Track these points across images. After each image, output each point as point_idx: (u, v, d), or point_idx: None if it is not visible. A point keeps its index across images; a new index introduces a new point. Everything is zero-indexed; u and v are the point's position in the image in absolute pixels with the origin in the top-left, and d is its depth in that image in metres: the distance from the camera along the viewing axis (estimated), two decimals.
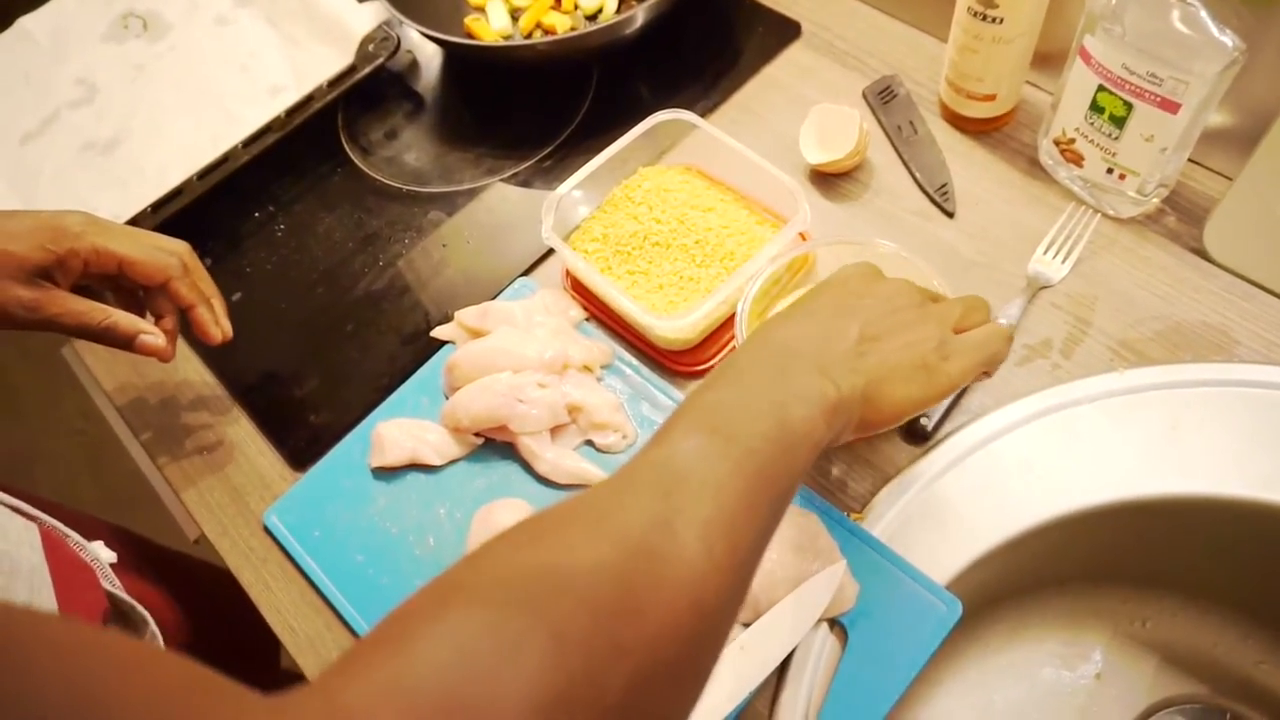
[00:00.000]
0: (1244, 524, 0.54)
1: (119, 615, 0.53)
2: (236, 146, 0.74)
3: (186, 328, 0.58)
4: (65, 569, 0.50)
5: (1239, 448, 0.54)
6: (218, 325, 0.59)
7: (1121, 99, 0.55)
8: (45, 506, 0.54)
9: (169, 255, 0.57)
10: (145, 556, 0.70)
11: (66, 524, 0.53)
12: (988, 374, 0.48)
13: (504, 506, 0.56)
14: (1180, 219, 0.62)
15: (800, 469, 0.38)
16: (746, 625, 0.51)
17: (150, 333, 0.56)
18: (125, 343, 0.56)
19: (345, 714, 0.23)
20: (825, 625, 0.51)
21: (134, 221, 0.71)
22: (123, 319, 0.55)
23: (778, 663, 0.50)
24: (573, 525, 0.31)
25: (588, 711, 0.26)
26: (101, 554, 0.53)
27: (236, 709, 0.23)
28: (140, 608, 0.52)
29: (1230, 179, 0.61)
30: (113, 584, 0.53)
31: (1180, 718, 0.61)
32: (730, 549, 0.32)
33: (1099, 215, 0.63)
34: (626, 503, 0.32)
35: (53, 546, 0.50)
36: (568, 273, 0.66)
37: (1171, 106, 0.54)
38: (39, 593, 0.47)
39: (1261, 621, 0.62)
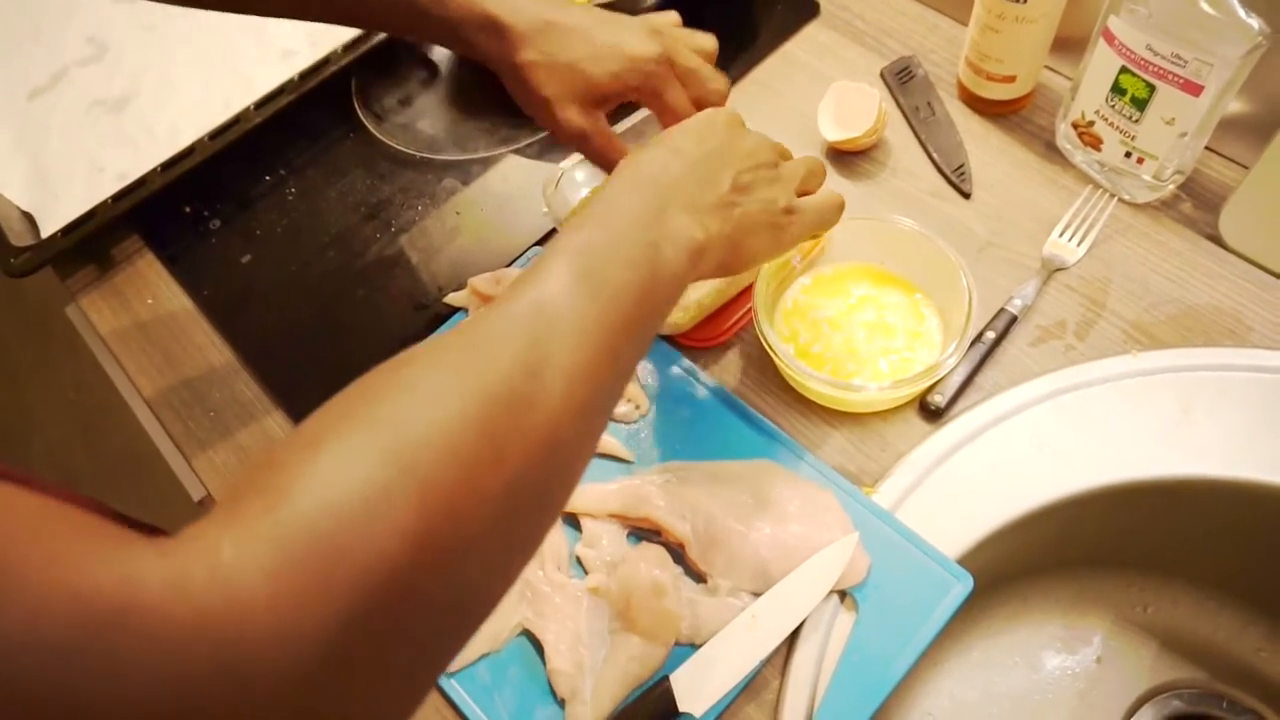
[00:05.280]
0: (1253, 507, 0.54)
1: None
2: (249, 108, 0.73)
3: (195, 291, 0.57)
4: None
5: (1250, 431, 0.54)
6: None
7: (1144, 80, 0.55)
8: (22, 482, 0.53)
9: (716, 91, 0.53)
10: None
11: (48, 494, 0.52)
12: (816, 238, 0.53)
13: None
14: (1196, 205, 0.62)
15: (665, 307, 0.40)
16: (758, 595, 0.51)
17: None
18: None
19: (225, 565, 0.25)
20: (836, 597, 0.51)
21: (143, 181, 0.71)
22: None
23: (788, 633, 0.50)
24: (443, 370, 0.32)
25: (449, 549, 0.28)
26: None
27: (126, 551, 0.24)
28: None
29: (1246, 167, 0.61)
30: None
31: (1179, 702, 0.62)
32: (591, 392, 0.34)
33: (1115, 199, 0.63)
34: (496, 348, 0.33)
35: None
36: None
37: (1194, 89, 0.54)
38: None
39: (1262, 609, 0.62)
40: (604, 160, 0.54)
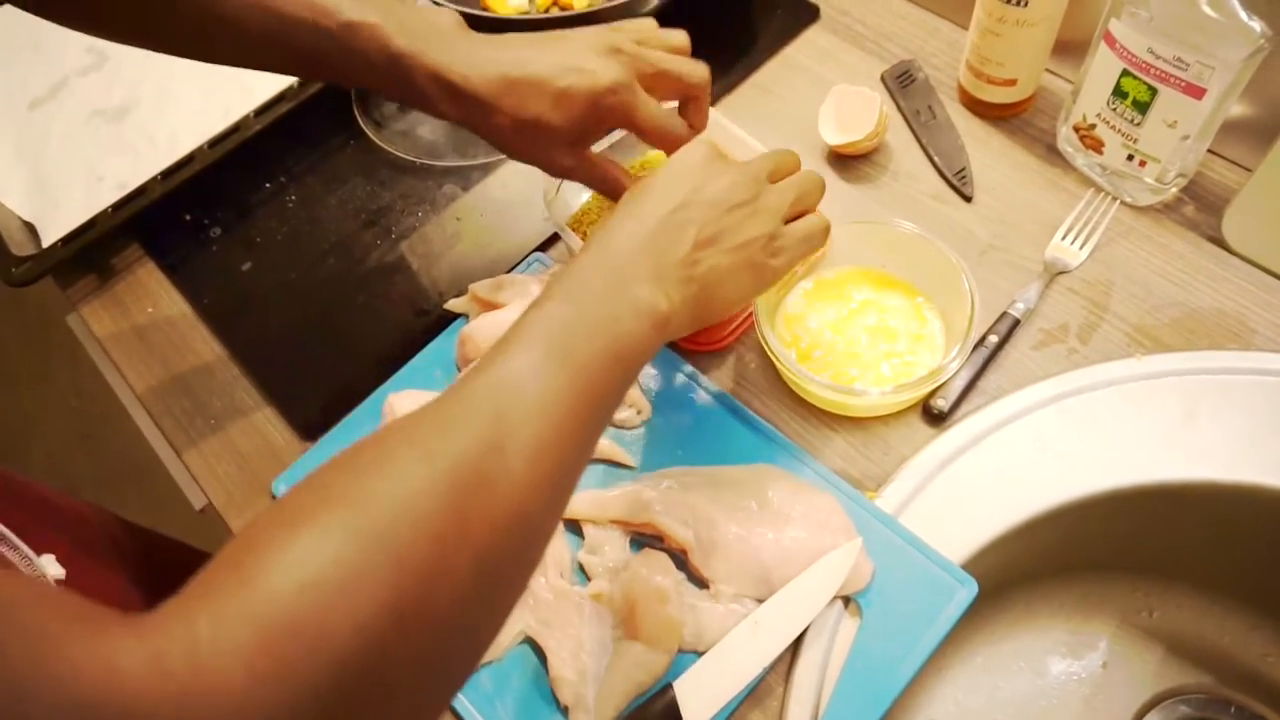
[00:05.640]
0: (1258, 510, 0.54)
1: None
2: (248, 115, 0.73)
3: (195, 299, 0.57)
4: None
5: (1255, 434, 0.54)
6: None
7: (1146, 84, 0.55)
8: (23, 487, 0.53)
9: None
10: (131, 540, 0.69)
11: (46, 504, 0.52)
12: (807, 257, 0.51)
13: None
14: (1198, 208, 0.62)
15: (630, 378, 0.41)
16: (761, 601, 0.51)
17: None
18: None
19: (203, 647, 0.25)
20: (840, 602, 0.51)
21: (143, 189, 0.71)
22: None
23: (792, 639, 0.49)
24: (411, 449, 0.32)
25: (422, 623, 0.29)
26: (50, 569, 0.53)
27: (104, 634, 0.24)
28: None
29: (1249, 170, 0.61)
30: None
31: (1185, 708, 0.61)
32: (556, 466, 0.35)
33: (1117, 202, 0.63)
34: (460, 428, 0.33)
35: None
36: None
37: (1196, 92, 0.53)
38: None
39: (1268, 613, 0.62)
40: (600, 187, 0.54)
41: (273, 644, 0.26)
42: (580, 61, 0.49)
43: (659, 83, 0.51)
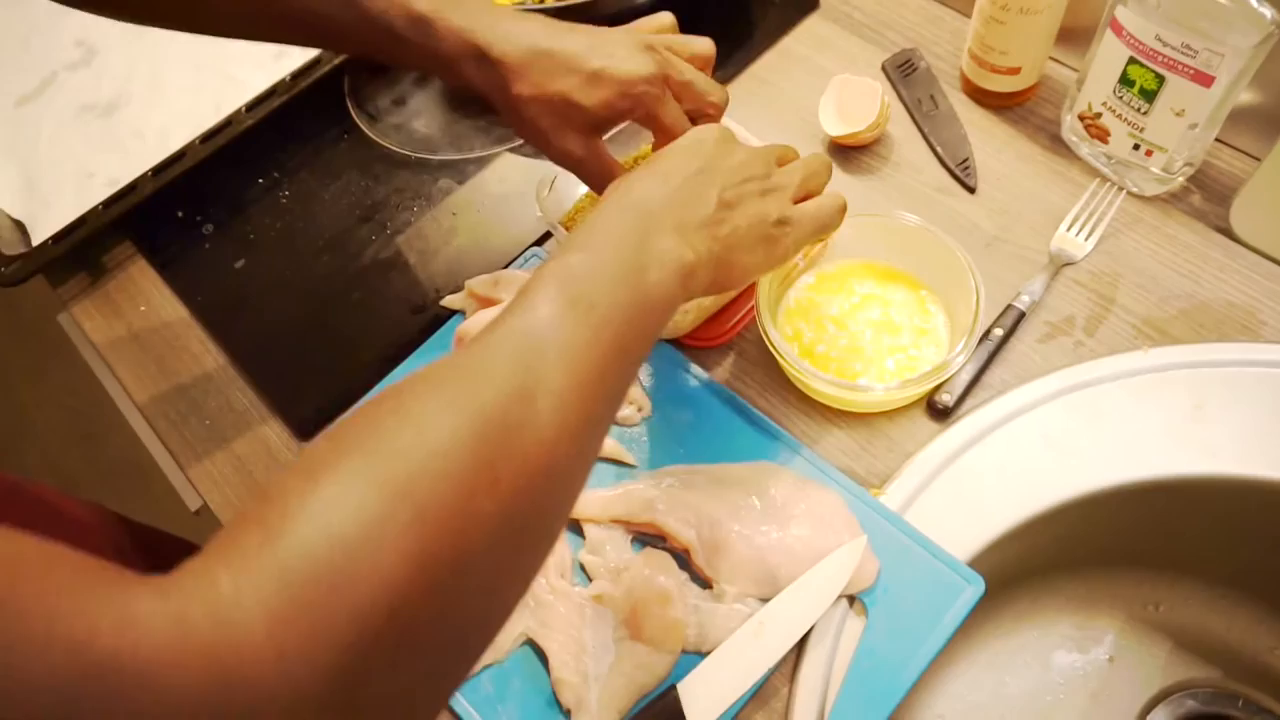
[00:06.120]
0: (1267, 505, 0.53)
1: None
2: (240, 110, 0.72)
3: (189, 298, 0.56)
4: None
5: (1264, 428, 0.53)
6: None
7: (1153, 71, 0.54)
8: (18, 487, 0.52)
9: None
10: (132, 538, 0.68)
11: (44, 503, 0.51)
12: (822, 239, 0.51)
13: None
14: (1205, 198, 0.61)
15: (655, 330, 0.40)
16: (765, 601, 0.50)
17: None
18: None
19: (225, 601, 0.25)
20: (845, 601, 0.50)
21: (133, 186, 0.70)
22: None
23: (797, 639, 0.49)
24: (436, 397, 0.31)
25: (448, 573, 0.28)
26: None
27: (124, 594, 0.24)
28: None
29: (1257, 159, 0.60)
30: None
31: (1192, 701, 0.61)
32: (584, 416, 0.34)
33: (1123, 192, 0.62)
34: (489, 374, 0.33)
35: None
36: None
37: (1205, 79, 0.52)
38: None
39: (1276, 606, 0.61)
40: (602, 185, 0.53)
41: (295, 594, 0.25)
42: (614, 49, 0.48)
43: (681, 93, 0.50)
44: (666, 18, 0.53)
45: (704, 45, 0.52)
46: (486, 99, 0.50)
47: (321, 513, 0.27)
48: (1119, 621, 0.63)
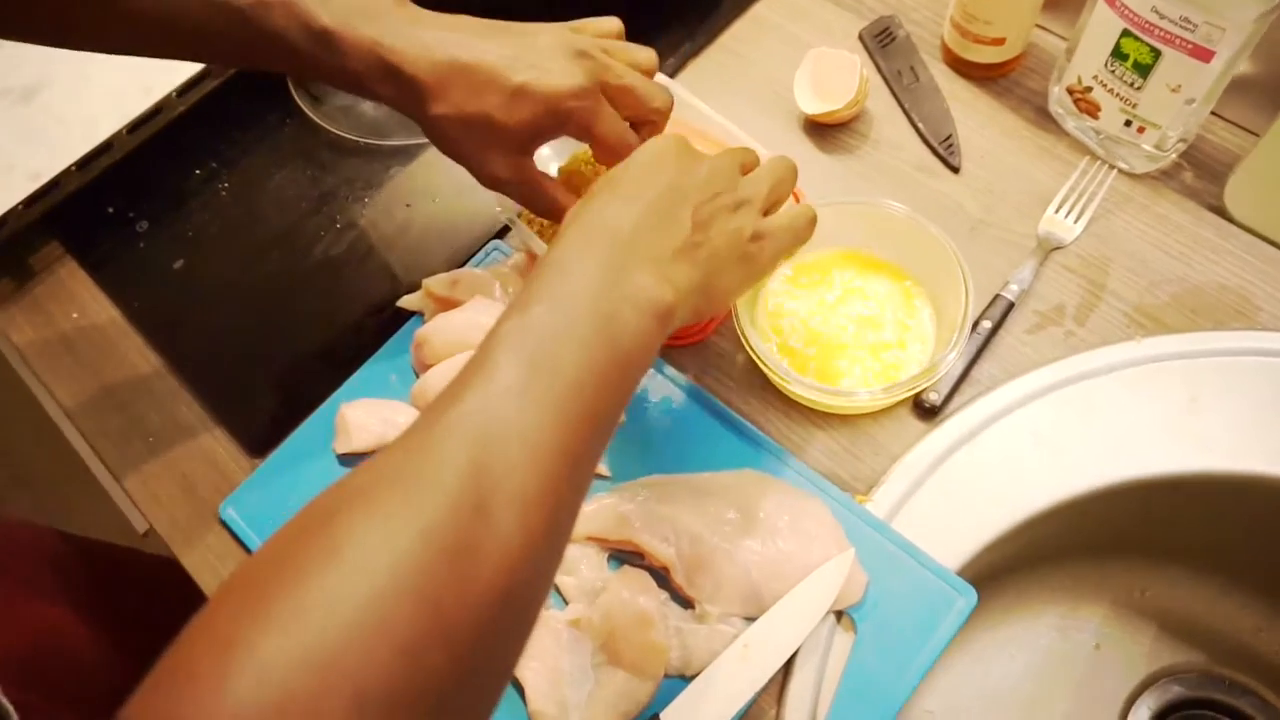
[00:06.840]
0: (1264, 499, 0.52)
1: None
2: (171, 95, 0.67)
3: (125, 302, 0.52)
4: None
5: (1260, 420, 0.51)
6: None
7: (1149, 45, 0.51)
8: None
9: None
10: (87, 558, 0.64)
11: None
12: (794, 252, 0.47)
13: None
14: (1198, 175, 0.59)
15: (632, 385, 0.36)
16: (750, 620, 0.48)
17: None
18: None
19: None
20: (833, 617, 0.48)
21: (58, 181, 0.64)
22: None
23: (783, 661, 0.47)
24: (372, 525, 0.27)
25: None
26: None
27: None
28: (6, 703, 0.46)
29: (1254, 133, 0.58)
30: None
31: (1179, 686, 0.60)
32: (549, 517, 0.30)
33: (1113, 171, 0.59)
34: (436, 481, 0.28)
35: None
36: (530, 254, 0.60)
37: (1204, 54, 0.49)
38: None
39: (1260, 589, 0.60)
40: (535, 206, 0.48)
41: None
42: (541, 59, 0.43)
43: (620, 99, 0.45)
44: (613, 24, 0.48)
45: (646, 55, 0.48)
46: (402, 113, 0.45)
47: (259, 677, 0.23)
48: (1104, 608, 0.62)
